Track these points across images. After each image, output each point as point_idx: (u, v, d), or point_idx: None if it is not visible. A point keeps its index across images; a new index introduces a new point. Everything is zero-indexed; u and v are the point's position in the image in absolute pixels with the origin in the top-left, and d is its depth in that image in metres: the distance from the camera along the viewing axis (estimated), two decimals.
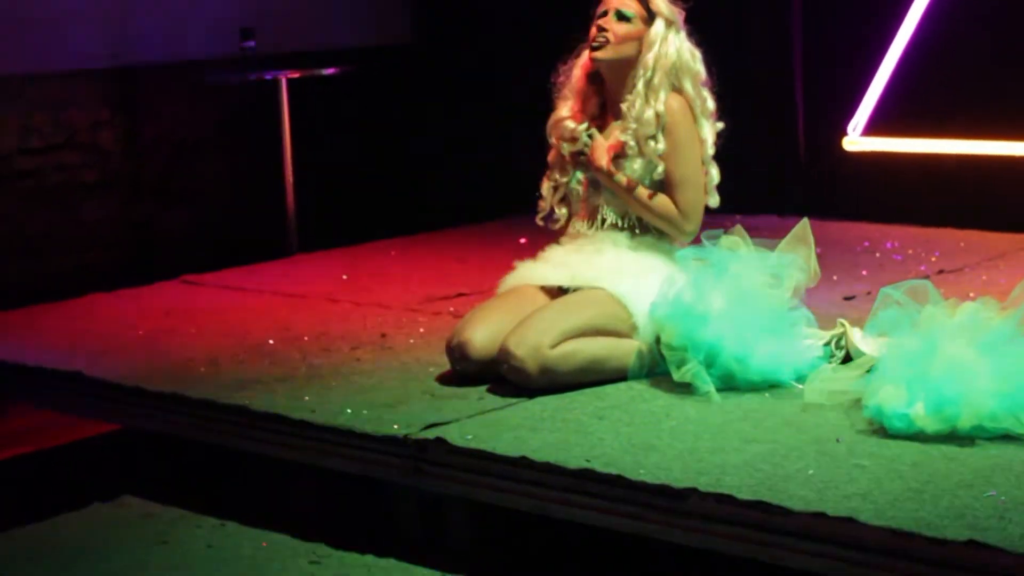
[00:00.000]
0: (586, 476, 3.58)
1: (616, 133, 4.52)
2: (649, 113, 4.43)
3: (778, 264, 4.37)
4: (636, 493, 3.50)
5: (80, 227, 7.05)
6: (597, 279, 4.37)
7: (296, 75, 7.09)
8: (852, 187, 7.17)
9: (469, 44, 8.27)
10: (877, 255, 6.04)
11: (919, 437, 3.68)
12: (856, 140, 7.11)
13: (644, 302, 4.31)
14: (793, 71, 7.28)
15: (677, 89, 4.48)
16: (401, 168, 8.20)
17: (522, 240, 5.92)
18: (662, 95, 4.43)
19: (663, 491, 3.45)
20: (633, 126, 4.45)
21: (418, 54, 8.33)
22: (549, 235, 4.75)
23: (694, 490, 3.41)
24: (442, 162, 8.26)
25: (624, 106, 4.47)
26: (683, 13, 4.53)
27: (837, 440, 3.72)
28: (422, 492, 3.99)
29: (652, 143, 4.43)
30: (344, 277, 5.94)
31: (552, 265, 4.54)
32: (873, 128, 7.07)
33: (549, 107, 4.78)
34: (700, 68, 4.51)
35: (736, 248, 4.43)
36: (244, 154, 7.59)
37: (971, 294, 4.86)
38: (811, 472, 3.49)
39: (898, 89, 6.98)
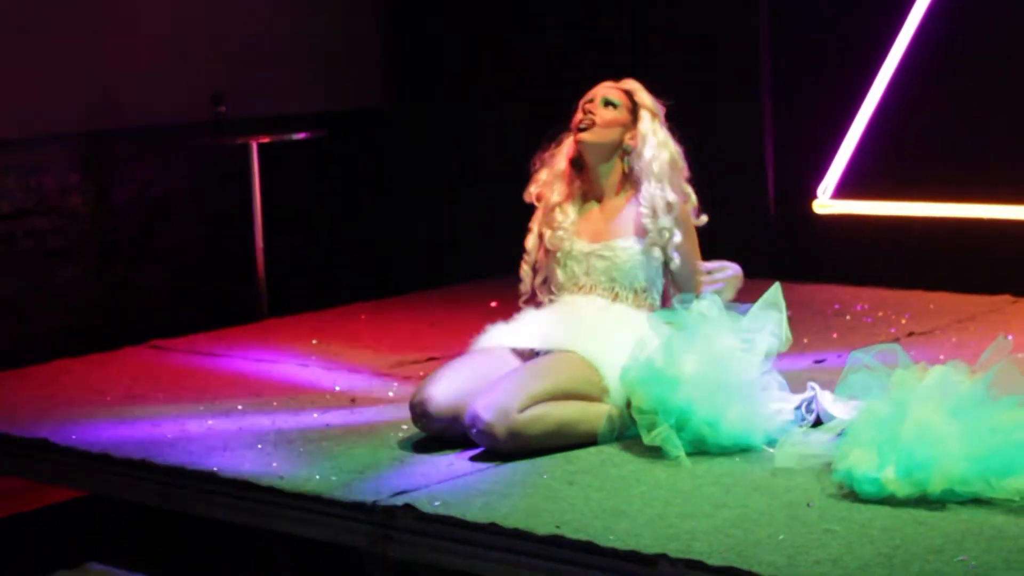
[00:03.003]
0: (556, 542, 3.55)
1: (606, 214, 4.63)
2: (660, 202, 4.54)
3: (750, 329, 4.37)
4: (606, 560, 3.47)
5: (50, 292, 7.01)
6: (568, 342, 4.36)
7: (266, 140, 7.08)
8: (822, 250, 7.19)
9: (439, 107, 8.29)
10: (848, 318, 6.05)
11: (890, 501, 3.67)
12: (826, 203, 7.14)
13: (615, 365, 4.31)
14: (763, 134, 7.31)
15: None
16: (372, 232, 8.20)
17: (493, 304, 5.90)
18: (667, 185, 4.55)
19: (633, 557, 3.42)
20: (650, 216, 4.55)
21: (388, 118, 8.34)
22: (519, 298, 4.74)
23: (664, 556, 3.38)
24: (412, 225, 8.25)
25: (638, 196, 4.58)
26: (664, 109, 4.67)
27: (808, 505, 3.70)
28: (391, 559, 3.95)
29: (667, 234, 4.52)
30: (314, 342, 5.92)
31: (523, 328, 4.53)
32: (843, 191, 7.10)
33: (523, 180, 4.82)
34: (683, 164, 4.65)
35: (708, 312, 4.44)
36: (215, 218, 7.57)
37: (941, 356, 4.86)
38: (781, 537, 3.47)
39: (868, 152, 7.02)
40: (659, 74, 7.18)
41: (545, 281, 4.72)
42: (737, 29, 7.37)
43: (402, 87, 8.41)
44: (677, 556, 3.37)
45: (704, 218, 4.69)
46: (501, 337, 4.53)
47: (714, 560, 3.34)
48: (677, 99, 4.76)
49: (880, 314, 6.08)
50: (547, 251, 4.71)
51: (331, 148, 7.77)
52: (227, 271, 7.50)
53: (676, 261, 4.56)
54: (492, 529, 3.66)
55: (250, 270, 7.10)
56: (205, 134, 7.09)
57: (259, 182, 7.07)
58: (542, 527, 3.61)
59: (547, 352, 4.40)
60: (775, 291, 4.47)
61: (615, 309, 4.54)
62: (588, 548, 3.49)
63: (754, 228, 7.21)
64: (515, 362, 4.42)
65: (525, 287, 4.74)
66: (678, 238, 4.55)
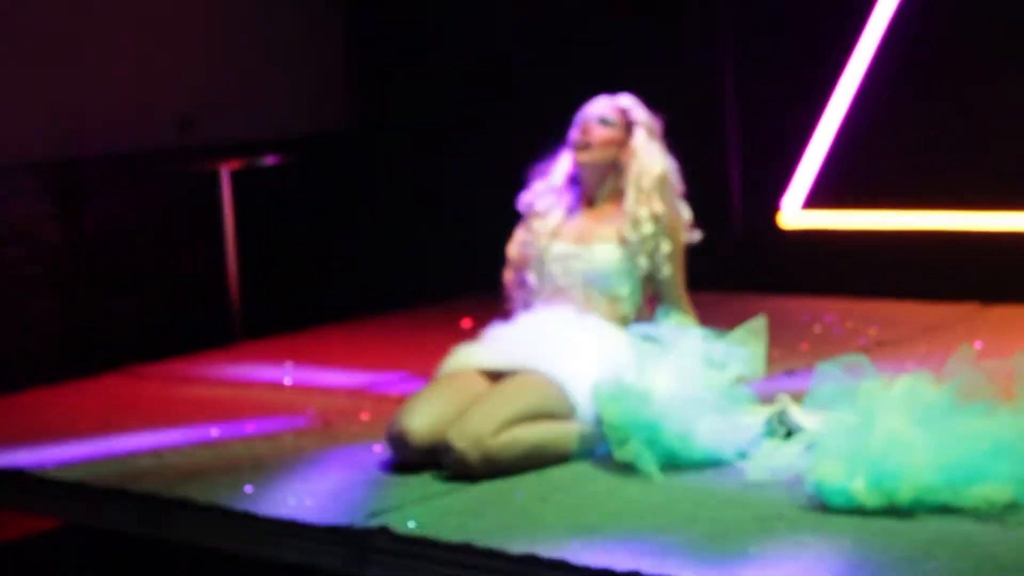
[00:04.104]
0: (530, 561, 3.55)
1: (593, 219, 4.69)
2: (645, 212, 4.58)
3: (725, 353, 4.39)
4: None
5: (24, 321, 6.99)
6: (533, 362, 4.38)
7: (236, 165, 7.09)
8: (790, 262, 7.21)
9: (409, 130, 8.30)
10: (817, 329, 6.07)
11: (860, 512, 3.68)
12: (792, 215, 7.17)
13: (583, 382, 4.32)
14: (728, 147, 7.33)
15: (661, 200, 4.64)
16: (344, 254, 8.20)
17: (464, 323, 5.91)
18: (655, 198, 4.60)
19: (607, 574, 3.42)
20: (632, 225, 4.60)
21: (359, 141, 8.35)
22: (491, 317, 4.76)
23: (637, 572, 3.39)
24: (385, 247, 8.26)
25: (623, 206, 4.64)
26: (660, 124, 4.73)
27: (779, 517, 3.71)
28: None
29: (651, 243, 4.56)
30: (288, 365, 5.91)
31: (489, 348, 4.54)
32: (809, 203, 7.14)
33: (493, 191, 4.87)
34: (677, 180, 4.73)
35: (682, 328, 4.46)
36: (187, 244, 7.57)
37: (909, 366, 4.87)
38: (753, 551, 3.48)
39: (833, 164, 7.06)
40: (621, 89, 7.26)
41: (522, 283, 4.75)
42: (699, 41, 7.39)
43: (371, 111, 8.42)
44: (650, 572, 3.37)
45: (698, 235, 4.75)
46: (468, 359, 4.54)
47: (687, 574, 3.34)
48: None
49: (849, 325, 6.11)
50: (525, 255, 4.73)
51: (302, 172, 7.77)
52: (200, 296, 7.50)
53: (665, 272, 4.60)
54: (466, 549, 3.66)
55: (223, 295, 7.09)
56: (175, 160, 7.08)
57: (231, 207, 7.07)
58: (516, 546, 3.61)
59: (514, 373, 4.41)
60: (760, 322, 4.50)
61: (582, 323, 4.56)
62: (562, 566, 3.49)
63: (721, 242, 7.23)
64: (484, 384, 4.42)
65: (514, 303, 4.79)
66: (667, 248, 4.59)
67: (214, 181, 7.08)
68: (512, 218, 4.90)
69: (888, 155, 6.95)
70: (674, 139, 4.79)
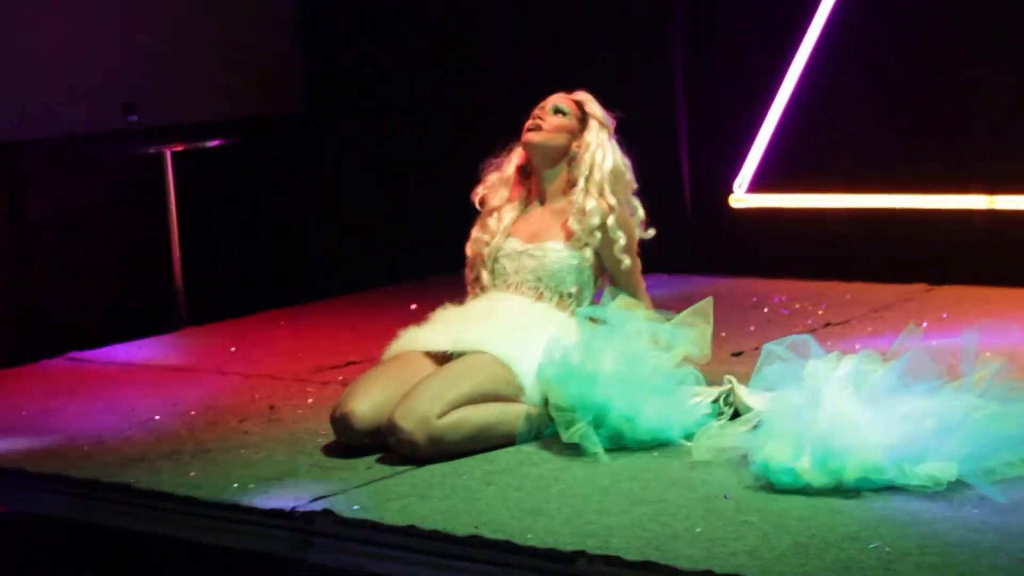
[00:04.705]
0: (474, 543, 3.54)
1: (546, 216, 4.70)
2: (592, 204, 4.60)
3: (671, 335, 4.40)
4: (525, 558, 3.46)
5: None
6: (480, 343, 4.37)
7: (180, 148, 7.03)
8: (739, 243, 7.22)
9: (357, 111, 8.25)
10: (765, 310, 6.08)
11: (806, 491, 3.69)
12: (742, 197, 7.18)
13: (530, 364, 4.31)
14: (677, 130, 7.34)
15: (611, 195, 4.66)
16: (289, 238, 8.16)
17: (413, 306, 5.88)
18: (607, 190, 4.63)
19: (551, 555, 3.42)
20: (578, 217, 4.61)
21: (305, 123, 8.30)
22: (439, 301, 4.75)
23: (582, 553, 3.39)
24: (330, 231, 8.22)
25: (573, 199, 4.65)
26: (615, 122, 4.76)
27: (725, 497, 3.72)
28: (311, 565, 3.92)
29: (597, 236, 4.58)
30: (232, 349, 5.88)
31: (435, 330, 4.54)
32: (758, 185, 7.15)
33: (442, 175, 4.88)
34: (631, 178, 4.74)
35: (631, 310, 4.46)
36: (131, 228, 7.50)
37: (857, 346, 4.90)
38: (699, 530, 3.49)
39: (782, 145, 7.06)
40: (572, 67, 7.25)
41: (477, 279, 4.76)
42: (649, 20, 7.38)
43: (318, 90, 8.37)
44: (595, 552, 3.38)
45: (652, 231, 4.78)
46: (414, 341, 4.53)
47: (632, 555, 3.34)
48: (589, 92, 4.83)
49: (797, 306, 6.12)
50: (479, 252, 4.74)
51: (247, 155, 7.72)
52: (144, 282, 7.44)
53: (625, 263, 4.62)
54: (411, 531, 3.65)
55: (167, 279, 7.04)
56: (118, 144, 7.02)
57: (174, 191, 7.02)
58: (461, 528, 3.60)
59: (460, 355, 4.39)
60: (707, 304, 4.52)
61: (532, 307, 4.56)
62: (507, 547, 3.49)
63: (670, 223, 7.22)
64: (430, 367, 4.41)
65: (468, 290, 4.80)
66: (623, 240, 4.61)
67: (158, 164, 7.02)
68: (466, 200, 4.89)
69: (837, 137, 6.96)
70: (625, 119, 4.79)
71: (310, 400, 4.99)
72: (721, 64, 7.24)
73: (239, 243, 7.94)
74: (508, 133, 4.83)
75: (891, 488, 3.69)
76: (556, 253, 4.61)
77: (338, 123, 8.28)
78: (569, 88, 4.84)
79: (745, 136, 7.11)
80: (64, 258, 7.30)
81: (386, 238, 8.08)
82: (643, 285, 4.74)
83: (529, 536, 3.51)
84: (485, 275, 4.73)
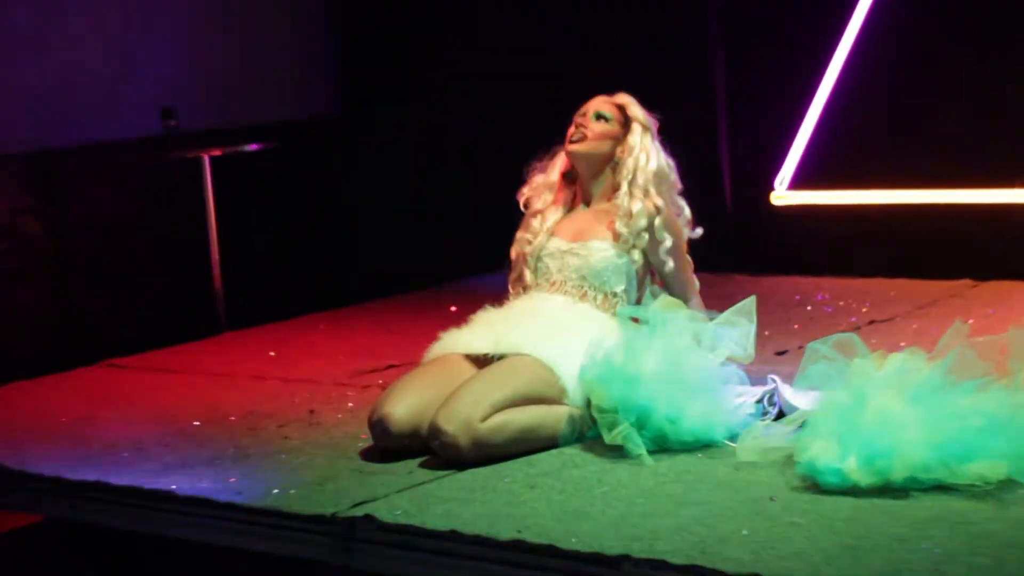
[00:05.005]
0: (518, 547, 3.52)
1: (591, 217, 4.69)
2: (639, 206, 4.59)
3: (715, 334, 4.38)
4: (569, 563, 3.44)
5: (4, 316, 6.94)
6: (521, 345, 4.34)
7: (218, 152, 7.03)
8: (781, 241, 7.18)
9: (397, 113, 8.24)
10: (808, 308, 6.04)
11: (853, 491, 3.66)
12: (783, 194, 7.13)
13: (571, 365, 4.29)
14: (717, 126, 7.30)
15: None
16: (329, 241, 8.15)
17: (452, 308, 5.88)
18: (652, 191, 4.63)
19: (596, 559, 3.39)
20: (624, 220, 4.61)
21: (343, 126, 8.30)
22: (480, 303, 4.73)
23: (627, 557, 3.35)
24: (370, 233, 8.21)
25: (618, 202, 4.64)
26: (657, 123, 4.75)
27: (771, 499, 3.68)
28: (353, 571, 3.91)
29: (644, 238, 4.58)
30: (272, 354, 5.88)
31: (476, 333, 4.52)
32: (800, 181, 7.10)
33: (480, 175, 4.87)
34: (675, 178, 4.74)
35: (673, 309, 4.44)
36: (170, 234, 7.52)
37: (902, 343, 4.85)
38: (745, 533, 3.45)
39: (823, 141, 7.02)
40: (609, 63, 7.22)
41: (519, 279, 4.76)
42: (689, 18, 7.35)
43: (357, 93, 8.37)
44: (640, 556, 3.34)
45: (699, 231, 4.78)
46: (454, 344, 4.51)
47: (678, 559, 3.31)
48: (629, 91, 4.81)
49: (841, 303, 6.08)
50: (522, 252, 4.74)
51: (285, 158, 7.72)
52: (183, 287, 7.45)
53: (669, 265, 4.62)
54: (453, 537, 3.63)
55: (207, 284, 7.05)
56: (156, 149, 7.03)
57: (212, 195, 7.03)
58: (504, 532, 3.57)
59: (501, 357, 4.37)
60: (750, 302, 4.49)
61: (573, 307, 4.54)
62: (550, 552, 3.46)
63: (711, 222, 7.19)
64: (470, 369, 4.39)
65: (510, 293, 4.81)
66: (668, 242, 4.61)
67: (197, 169, 7.02)
68: (506, 202, 4.88)
69: (879, 132, 6.91)
70: (665, 119, 4.78)
71: (350, 404, 4.98)
72: (762, 59, 7.20)
73: (278, 247, 7.94)
74: (548, 132, 4.81)
75: (939, 488, 3.65)
76: (601, 252, 4.59)
77: (375, 124, 8.28)
78: (608, 90, 4.82)
79: (786, 132, 7.07)
80: (102, 264, 7.31)
81: (426, 240, 8.07)
82: (695, 286, 4.74)
83: (573, 540, 3.48)
84: (528, 274, 4.71)
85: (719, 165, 7.31)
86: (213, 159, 7.05)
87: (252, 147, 7.17)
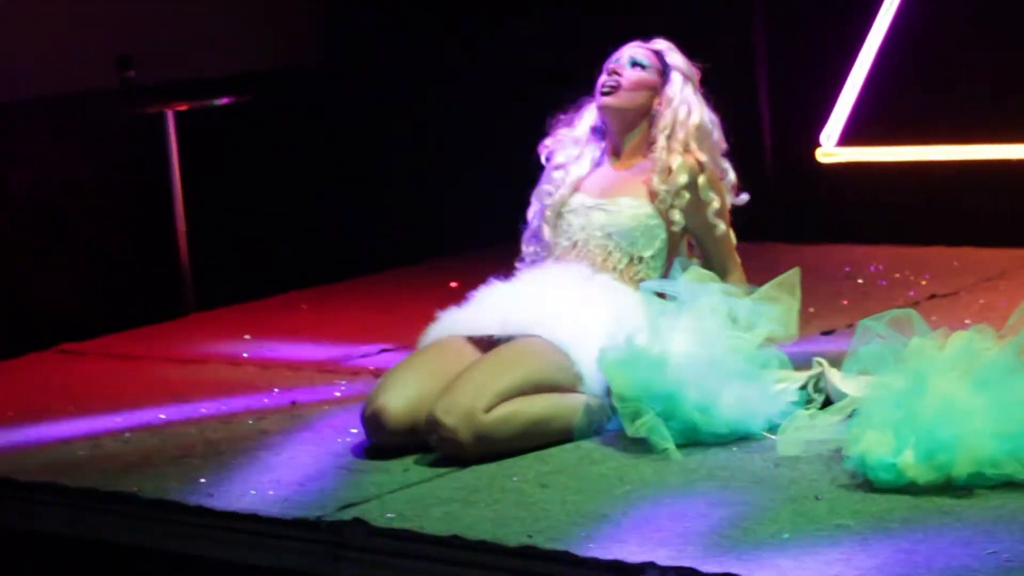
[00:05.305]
0: (528, 554, 3.55)
1: (623, 174, 4.71)
2: (679, 161, 4.62)
3: (752, 311, 4.40)
4: (586, 571, 3.47)
5: None
6: (531, 325, 4.37)
7: (184, 107, 7.06)
8: (829, 205, 7.20)
9: (383, 65, 8.25)
10: (860, 281, 6.08)
11: (910, 489, 3.68)
12: (831, 151, 7.15)
13: (588, 348, 4.32)
14: (755, 75, 7.30)
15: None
16: (311, 210, 8.17)
17: (453, 284, 5.91)
18: (693, 146, 4.66)
19: (616, 568, 3.42)
20: (662, 176, 4.63)
21: (327, 77, 8.31)
22: (484, 278, 4.76)
23: (652, 564, 3.38)
24: (358, 201, 8.24)
25: (655, 156, 4.66)
26: (699, 73, 4.78)
27: (816, 498, 3.71)
28: None
29: (687, 194, 4.60)
30: (247, 337, 5.92)
31: (480, 312, 4.54)
32: (850, 137, 7.11)
33: (485, 136, 4.88)
34: (720, 137, 4.77)
35: (704, 282, 4.46)
36: (129, 200, 7.54)
37: (967, 321, 4.89)
38: (786, 536, 3.48)
39: (875, 91, 7.03)
40: (639, 26, 7.22)
41: (536, 235, 4.78)
42: None
43: (338, 41, 8.39)
44: (667, 564, 3.37)
45: (745, 197, 4.82)
46: (455, 325, 4.54)
47: (709, 566, 3.34)
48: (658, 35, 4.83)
49: (897, 275, 6.12)
50: (541, 207, 4.77)
51: (260, 114, 7.74)
52: (146, 262, 7.48)
53: (720, 228, 4.66)
54: (455, 542, 3.66)
55: (172, 258, 7.08)
56: (113, 104, 7.06)
57: (178, 157, 7.05)
58: (512, 538, 3.60)
59: (508, 339, 4.39)
60: (793, 275, 4.53)
61: (591, 282, 4.55)
62: (565, 559, 3.49)
63: (751, 183, 7.21)
64: (474, 354, 4.42)
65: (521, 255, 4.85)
66: (716, 203, 4.65)
67: (159, 126, 7.05)
68: (505, 163, 4.90)
69: (940, 79, 6.91)
70: (707, 69, 4.80)
71: (337, 394, 5.02)
72: (806, 13, 7.19)
73: (253, 216, 7.97)
74: (559, 87, 4.83)
75: (1008, 485, 3.67)
76: (632, 209, 4.61)
77: (362, 78, 8.29)
78: (635, 36, 4.82)
79: (834, 81, 7.08)
80: (53, 236, 7.34)
81: (421, 207, 8.09)
82: (737, 259, 4.76)
83: (591, 546, 3.51)
84: (547, 230, 4.73)
85: (758, 117, 7.32)
86: (178, 115, 7.07)
87: (222, 101, 7.20)
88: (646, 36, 4.83)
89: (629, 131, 4.75)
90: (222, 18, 7.92)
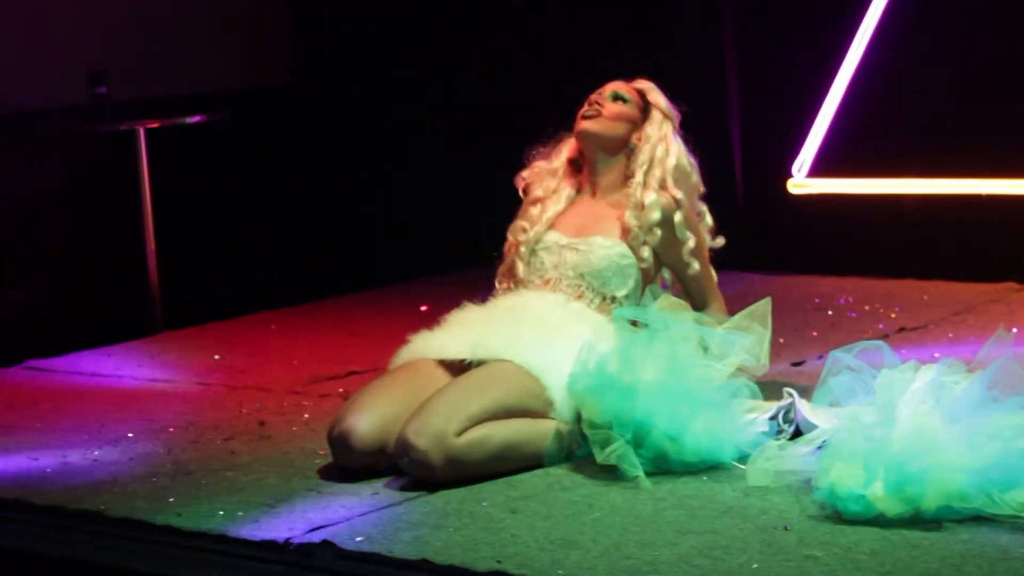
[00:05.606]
0: None
1: (597, 210, 4.74)
2: (652, 197, 4.65)
3: (723, 341, 4.42)
4: None
5: None
6: (503, 350, 4.38)
7: (155, 125, 7.05)
8: (800, 236, 7.20)
9: (359, 84, 8.25)
10: (829, 313, 6.09)
11: (879, 521, 3.70)
12: (802, 182, 7.16)
13: (560, 374, 4.33)
14: (727, 103, 7.32)
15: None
16: (282, 230, 8.16)
17: (423, 308, 5.91)
18: (670, 183, 4.70)
19: None
20: (635, 212, 4.66)
21: (298, 96, 8.31)
22: (456, 301, 4.77)
23: None
24: (328, 221, 8.23)
25: (629, 191, 4.70)
26: (679, 116, 4.83)
27: (785, 528, 3.73)
28: None
29: (659, 232, 4.64)
30: (217, 357, 5.91)
31: (451, 335, 4.55)
32: (821, 168, 7.12)
33: (459, 157, 4.89)
34: (698, 180, 4.83)
35: (676, 311, 4.48)
36: (99, 218, 7.52)
37: (936, 354, 4.91)
38: (755, 566, 3.49)
39: (847, 123, 7.03)
40: (610, 38, 7.23)
41: (510, 271, 4.80)
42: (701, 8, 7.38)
43: (312, 60, 8.39)
44: None
45: (721, 240, 4.86)
46: (426, 348, 4.54)
47: None
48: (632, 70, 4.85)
49: (866, 308, 6.13)
50: (515, 241, 4.79)
51: (232, 132, 7.73)
52: (115, 279, 7.46)
53: (694, 267, 4.70)
54: (424, 566, 3.66)
55: (141, 277, 7.06)
56: (83, 120, 7.05)
57: (148, 174, 7.04)
58: (481, 563, 3.61)
59: (479, 363, 4.41)
60: (764, 305, 4.55)
61: (564, 307, 4.57)
62: None
63: (720, 212, 7.23)
64: (444, 377, 4.43)
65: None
66: (691, 243, 4.68)
67: (130, 143, 7.04)
68: (476, 186, 4.91)
69: (912, 113, 6.92)
70: (688, 111, 4.84)
71: (306, 415, 5.02)
72: (777, 29, 7.22)
73: (223, 235, 7.96)
74: (533, 110, 4.85)
75: (977, 518, 3.69)
76: (604, 249, 4.63)
77: (335, 97, 8.29)
78: (610, 65, 4.85)
79: (806, 112, 7.09)
80: (21, 252, 7.32)
81: (393, 228, 8.08)
82: (719, 295, 4.81)
83: (560, 572, 3.52)
84: (520, 267, 4.75)
85: (730, 146, 7.33)
86: (149, 132, 7.05)
87: (193, 119, 7.18)
88: (620, 73, 4.87)
89: (607, 163, 4.78)
90: (194, 36, 7.91)
